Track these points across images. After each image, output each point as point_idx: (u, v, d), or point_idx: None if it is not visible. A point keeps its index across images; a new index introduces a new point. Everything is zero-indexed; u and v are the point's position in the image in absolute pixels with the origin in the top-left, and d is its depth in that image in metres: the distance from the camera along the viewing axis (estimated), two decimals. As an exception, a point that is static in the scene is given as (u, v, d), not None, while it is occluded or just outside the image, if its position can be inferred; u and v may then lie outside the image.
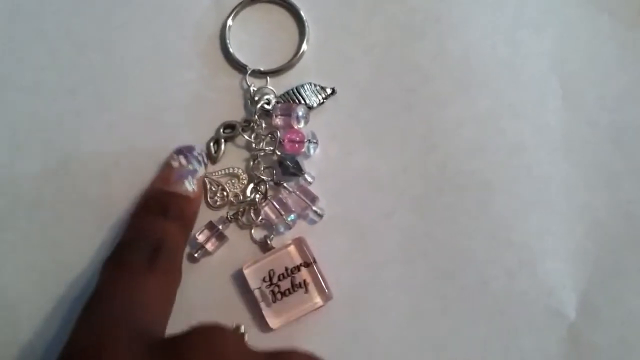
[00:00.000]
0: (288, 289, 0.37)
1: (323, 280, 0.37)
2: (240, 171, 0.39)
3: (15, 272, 0.38)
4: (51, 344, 0.37)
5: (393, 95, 0.40)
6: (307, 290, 0.37)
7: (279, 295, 0.37)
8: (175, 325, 0.32)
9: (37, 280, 0.37)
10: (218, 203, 0.38)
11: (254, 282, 0.37)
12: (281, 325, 0.36)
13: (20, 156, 0.39)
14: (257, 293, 0.37)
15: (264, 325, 0.37)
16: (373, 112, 0.39)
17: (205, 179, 0.38)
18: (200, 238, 0.37)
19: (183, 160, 0.37)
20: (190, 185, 0.36)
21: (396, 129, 0.39)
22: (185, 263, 0.37)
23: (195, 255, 0.37)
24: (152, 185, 0.37)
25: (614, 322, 0.37)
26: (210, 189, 0.38)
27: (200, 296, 0.37)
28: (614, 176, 0.39)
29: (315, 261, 0.37)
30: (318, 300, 0.37)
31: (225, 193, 0.38)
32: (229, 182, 0.38)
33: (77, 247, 0.38)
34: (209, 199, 0.38)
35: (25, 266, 0.38)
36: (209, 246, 0.37)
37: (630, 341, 0.37)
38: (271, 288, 0.37)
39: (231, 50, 0.39)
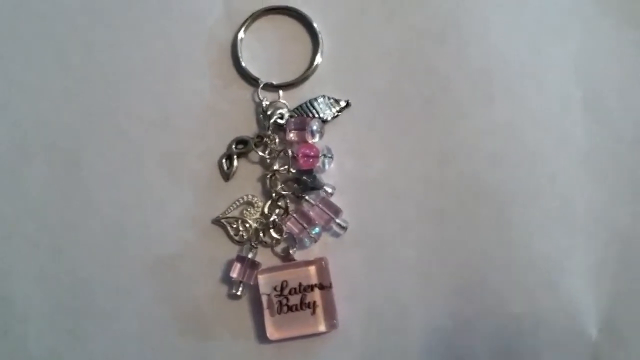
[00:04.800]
0: (296, 305, 0.36)
1: (333, 308, 0.36)
2: (250, 197, 0.38)
3: (22, 279, 0.37)
4: (58, 352, 0.37)
5: (410, 105, 0.38)
6: (314, 312, 0.36)
7: (285, 308, 0.36)
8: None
9: (45, 287, 0.37)
10: (245, 236, 0.38)
11: (264, 288, 0.36)
12: (279, 338, 0.36)
13: (27, 161, 0.38)
14: (264, 299, 0.36)
15: (262, 334, 0.36)
16: (390, 123, 0.38)
17: (222, 221, 0.37)
18: (236, 274, 0.37)
19: None
20: None
21: (414, 139, 0.38)
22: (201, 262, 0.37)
23: (239, 293, 0.37)
24: None
25: (637, 341, 0.36)
26: (231, 227, 0.38)
27: (210, 291, 0.37)
28: (638, 189, 0.38)
29: (331, 286, 0.36)
30: (322, 326, 0.36)
31: (247, 225, 0.37)
32: (245, 211, 0.38)
33: (85, 253, 0.37)
34: (235, 237, 0.38)
35: (32, 273, 0.37)
36: (247, 279, 0.37)
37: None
38: (279, 299, 0.36)
39: (243, 63, 0.38)
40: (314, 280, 0.37)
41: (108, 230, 0.38)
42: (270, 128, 0.38)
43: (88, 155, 0.38)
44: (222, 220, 0.38)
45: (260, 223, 0.38)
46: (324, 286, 0.36)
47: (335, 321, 0.36)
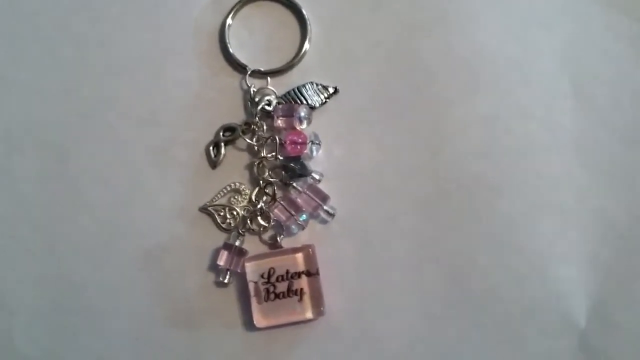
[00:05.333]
0: (283, 292, 0.36)
1: (320, 296, 0.36)
2: (237, 184, 0.38)
3: (11, 275, 0.37)
4: (47, 348, 0.37)
5: (398, 95, 0.38)
6: (301, 299, 0.36)
7: (272, 296, 0.36)
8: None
9: (33, 283, 0.37)
10: (232, 224, 0.37)
11: (251, 276, 0.36)
12: (267, 325, 0.36)
13: (18, 158, 0.38)
14: (251, 286, 0.36)
15: (250, 322, 0.36)
16: (378, 111, 0.38)
17: (209, 209, 0.37)
18: (223, 262, 0.36)
19: None
20: None
21: (402, 129, 0.38)
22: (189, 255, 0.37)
23: (226, 281, 0.37)
24: None
25: (626, 329, 0.36)
26: (218, 215, 0.37)
27: (198, 280, 0.37)
28: (628, 178, 0.38)
29: (318, 273, 0.36)
30: (309, 313, 0.36)
31: (234, 213, 0.37)
32: (233, 199, 0.38)
33: (74, 247, 0.37)
34: (222, 225, 0.37)
35: (20, 269, 0.37)
36: (234, 267, 0.36)
37: (643, 349, 0.36)
38: (267, 286, 0.36)
39: (231, 50, 0.38)
40: (301, 267, 0.36)
41: (97, 223, 0.38)
42: (258, 115, 0.37)
43: (77, 149, 0.38)
44: (210, 208, 0.37)
45: (248, 210, 0.37)
46: (311, 273, 0.36)
47: (322, 308, 0.36)
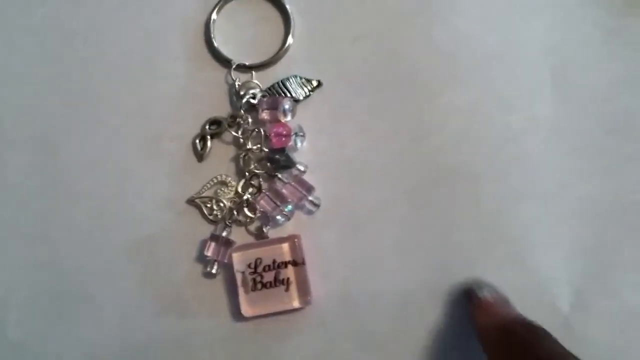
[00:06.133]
0: (270, 282, 0.37)
1: (306, 285, 0.36)
2: (224, 176, 0.38)
3: (5, 267, 0.38)
4: (38, 337, 0.37)
5: (381, 86, 0.39)
6: (288, 289, 0.37)
7: (259, 285, 0.37)
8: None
9: (24, 273, 0.38)
10: (219, 216, 0.38)
11: (239, 266, 0.37)
12: (254, 315, 0.36)
13: (9, 149, 0.39)
14: (238, 276, 0.37)
15: (237, 311, 0.37)
16: (361, 103, 0.39)
17: (196, 201, 0.38)
18: (210, 253, 0.37)
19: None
20: None
21: (386, 119, 0.39)
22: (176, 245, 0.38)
23: (213, 271, 0.37)
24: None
25: (609, 315, 0.37)
26: (205, 206, 0.38)
27: (186, 271, 0.38)
28: (608, 166, 0.38)
29: (304, 262, 0.36)
30: (296, 302, 0.37)
31: (221, 204, 0.38)
32: (219, 190, 0.38)
33: (68, 241, 0.38)
34: (209, 217, 0.38)
35: (14, 261, 0.38)
36: (221, 257, 0.37)
37: (625, 335, 0.36)
38: (254, 276, 0.37)
39: (216, 44, 0.39)
40: (288, 257, 0.37)
41: (87, 214, 0.38)
42: (243, 108, 0.38)
43: (66, 141, 0.39)
44: (197, 200, 0.38)
45: (234, 202, 0.38)
46: (297, 263, 0.37)
47: (309, 297, 0.36)
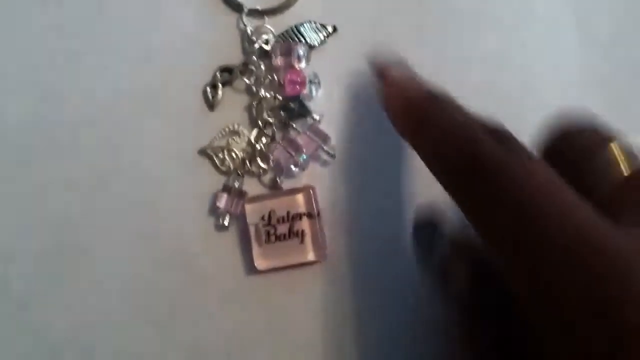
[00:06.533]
0: (284, 234, 0.35)
1: (322, 237, 0.35)
2: (236, 126, 0.37)
3: (4, 222, 0.37)
4: (40, 293, 0.36)
5: (399, 32, 0.38)
6: (302, 241, 0.35)
7: (273, 238, 0.35)
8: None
9: (27, 229, 0.36)
10: (231, 166, 0.37)
11: (252, 218, 0.36)
12: (267, 267, 0.35)
13: (10, 100, 0.37)
14: (252, 229, 0.35)
15: (250, 265, 0.36)
16: (379, 50, 0.37)
17: (207, 151, 0.37)
18: (223, 204, 0.36)
19: None
20: None
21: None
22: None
23: (226, 224, 0.36)
24: None
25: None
26: (217, 157, 0.37)
27: (196, 224, 0.36)
28: (633, 116, 0.37)
29: (319, 215, 0.35)
30: (311, 255, 0.36)
31: (233, 154, 0.37)
32: (232, 140, 0.37)
33: (69, 193, 0.37)
34: (221, 167, 0.37)
35: (15, 218, 0.37)
36: (234, 209, 0.36)
37: None
38: (267, 228, 0.35)
39: (226, -13, 0.38)
40: (302, 208, 0.36)
41: (92, 167, 0.37)
42: (256, 55, 0.37)
43: (70, 90, 0.37)
44: (208, 151, 0.37)
45: (247, 152, 0.37)
46: (312, 215, 0.36)
47: (324, 251, 0.35)
